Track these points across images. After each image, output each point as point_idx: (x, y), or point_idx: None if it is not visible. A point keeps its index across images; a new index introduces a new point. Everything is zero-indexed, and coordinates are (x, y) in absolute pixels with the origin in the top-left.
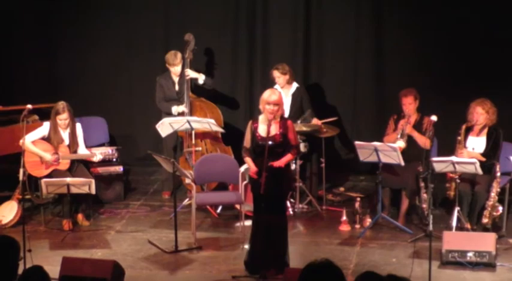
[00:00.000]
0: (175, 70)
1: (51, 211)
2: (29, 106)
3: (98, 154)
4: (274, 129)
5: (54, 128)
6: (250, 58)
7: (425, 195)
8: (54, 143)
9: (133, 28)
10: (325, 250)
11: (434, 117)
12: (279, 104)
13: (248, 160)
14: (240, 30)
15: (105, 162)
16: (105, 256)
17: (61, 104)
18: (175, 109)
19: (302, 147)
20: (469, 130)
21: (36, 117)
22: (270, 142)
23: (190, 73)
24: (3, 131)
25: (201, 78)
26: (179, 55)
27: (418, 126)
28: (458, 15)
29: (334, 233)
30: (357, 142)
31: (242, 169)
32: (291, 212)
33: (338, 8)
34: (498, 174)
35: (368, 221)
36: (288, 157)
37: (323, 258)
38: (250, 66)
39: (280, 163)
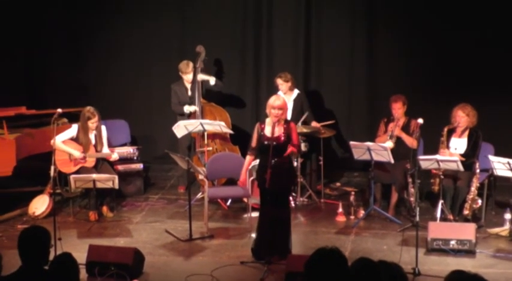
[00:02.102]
0: (188, 78)
1: (79, 204)
2: (59, 110)
3: (115, 153)
4: (279, 131)
5: (82, 129)
6: (256, 67)
7: (412, 189)
8: (82, 143)
9: (152, 40)
10: (323, 239)
11: (420, 120)
12: (282, 108)
13: (247, 161)
14: (247, 42)
15: (127, 160)
16: (127, 244)
17: (88, 109)
18: (187, 108)
19: (303, 146)
20: (451, 132)
21: (65, 120)
22: (274, 142)
23: (202, 76)
24: (36, 132)
25: (211, 79)
26: (191, 64)
27: (406, 128)
28: (443, 30)
29: (331, 223)
30: (351, 142)
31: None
32: (293, 205)
33: (335, 23)
34: (478, 171)
35: (361, 212)
36: (291, 148)
37: (332, 246)
38: (256, 75)
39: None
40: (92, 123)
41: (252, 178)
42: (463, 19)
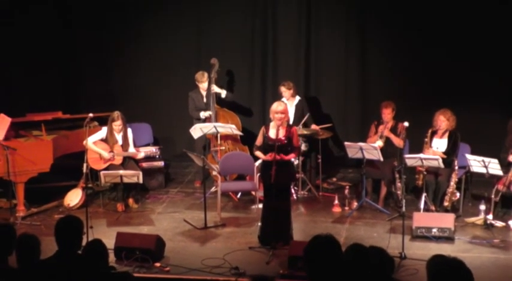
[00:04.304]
0: (203, 86)
1: (108, 196)
2: (91, 115)
3: (142, 152)
4: (282, 133)
5: (110, 132)
6: (263, 77)
7: (399, 184)
8: (110, 144)
9: (172, 53)
10: (321, 227)
11: (406, 123)
12: (284, 113)
13: (258, 153)
14: (255, 55)
15: (150, 158)
16: (150, 231)
17: (116, 113)
18: (202, 114)
19: (303, 146)
20: (434, 133)
21: (96, 123)
22: (278, 143)
23: (215, 88)
24: (70, 134)
25: (223, 93)
26: (206, 74)
27: (393, 130)
28: (426, 46)
29: (328, 213)
30: (346, 143)
31: (256, 163)
32: (295, 197)
33: (331, 39)
34: (456, 167)
35: (355, 204)
36: (292, 155)
37: (327, 233)
38: (263, 83)
39: (287, 157)
40: (116, 125)
41: (259, 174)
42: (444, 38)
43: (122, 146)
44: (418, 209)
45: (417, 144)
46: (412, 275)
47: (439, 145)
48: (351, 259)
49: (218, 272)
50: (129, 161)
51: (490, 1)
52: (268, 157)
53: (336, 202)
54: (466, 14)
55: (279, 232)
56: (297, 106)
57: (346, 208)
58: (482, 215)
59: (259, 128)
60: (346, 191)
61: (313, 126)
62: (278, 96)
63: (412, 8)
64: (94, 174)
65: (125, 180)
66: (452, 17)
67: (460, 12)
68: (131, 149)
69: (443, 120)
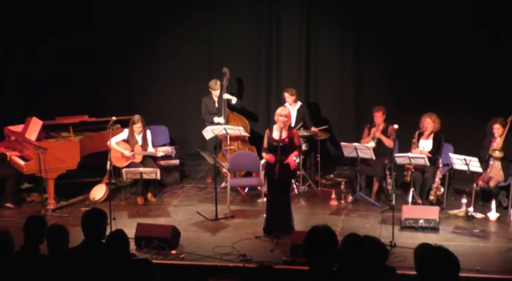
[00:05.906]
0: (216, 93)
1: (129, 191)
2: (114, 118)
3: (160, 152)
4: (284, 135)
5: (131, 133)
6: (268, 84)
7: (389, 180)
8: (131, 144)
9: (187, 63)
10: (319, 219)
11: (396, 126)
12: (287, 117)
13: (265, 155)
14: (261, 64)
15: (166, 157)
16: (166, 222)
17: (136, 117)
18: (216, 119)
19: (304, 146)
20: (420, 135)
21: (118, 125)
22: (281, 143)
23: (227, 95)
24: (96, 135)
25: (233, 99)
26: (218, 82)
27: (384, 132)
28: (415, 56)
29: (326, 206)
30: (342, 143)
31: (262, 161)
32: (296, 192)
33: (329, 49)
34: (440, 165)
35: (350, 198)
36: (295, 153)
37: (324, 224)
38: (268, 90)
39: (290, 159)
40: (136, 127)
41: (263, 171)
42: (431, 50)
43: (141, 146)
44: (407, 203)
45: (406, 144)
46: (401, 262)
47: (425, 145)
48: (347, 247)
49: (228, 259)
50: (148, 160)
51: (472, 16)
52: (269, 158)
53: (333, 196)
54: (452, 27)
55: (281, 223)
56: (299, 110)
57: (342, 202)
58: (464, 208)
59: (264, 130)
60: (342, 187)
61: (313, 129)
62: (282, 102)
63: (404, 21)
64: (117, 171)
65: (144, 176)
66: (436, 30)
67: (446, 25)
68: (150, 149)
69: (429, 122)
